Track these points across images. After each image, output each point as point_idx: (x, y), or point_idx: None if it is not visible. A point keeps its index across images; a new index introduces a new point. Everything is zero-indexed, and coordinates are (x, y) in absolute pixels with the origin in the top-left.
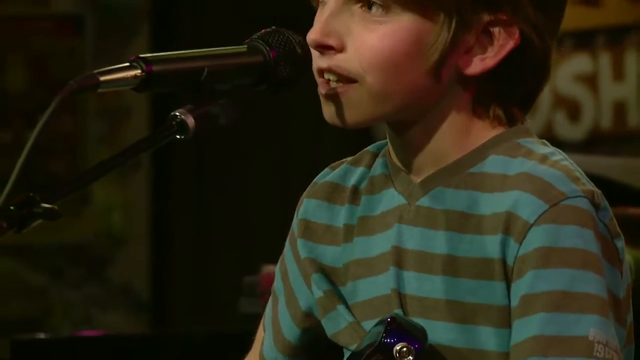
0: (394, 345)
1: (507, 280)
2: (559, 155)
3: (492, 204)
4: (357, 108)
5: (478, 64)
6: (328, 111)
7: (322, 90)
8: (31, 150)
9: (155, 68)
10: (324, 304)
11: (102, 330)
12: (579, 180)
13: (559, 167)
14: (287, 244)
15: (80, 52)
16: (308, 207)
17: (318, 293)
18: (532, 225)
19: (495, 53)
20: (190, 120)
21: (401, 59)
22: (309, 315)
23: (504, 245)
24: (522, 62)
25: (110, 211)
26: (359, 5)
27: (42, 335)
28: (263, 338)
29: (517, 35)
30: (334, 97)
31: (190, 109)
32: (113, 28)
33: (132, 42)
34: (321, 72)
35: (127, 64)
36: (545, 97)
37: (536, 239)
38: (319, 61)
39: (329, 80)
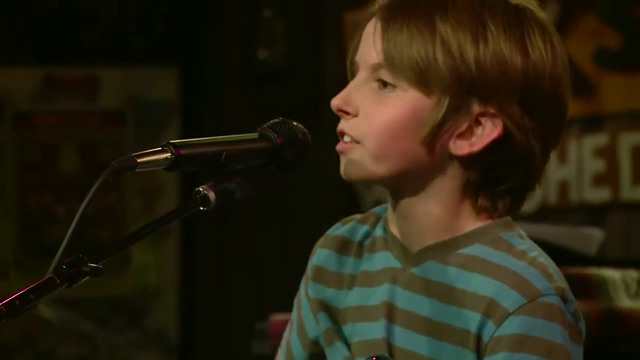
0: None
1: (479, 353)
2: (535, 251)
3: (475, 284)
4: (359, 165)
5: (465, 147)
6: (341, 166)
7: (337, 147)
8: (80, 219)
9: (182, 151)
10: (327, 339)
11: None
12: (552, 277)
13: (536, 264)
14: (302, 282)
15: (123, 141)
16: (321, 256)
17: (322, 329)
18: (510, 313)
19: (481, 140)
20: (212, 195)
21: (399, 128)
22: (315, 343)
23: (482, 325)
24: (505, 155)
25: (146, 270)
26: (377, 83)
27: None
28: None
29: (501, 127)
30: (342, 152)
31: (212, 185)
32: (149, 120)
33: (165, 131)
34: (339, 133)
35: (160, 148)
36: None
37: (512, 326)
38: (339, 124)
39: (342, 136)
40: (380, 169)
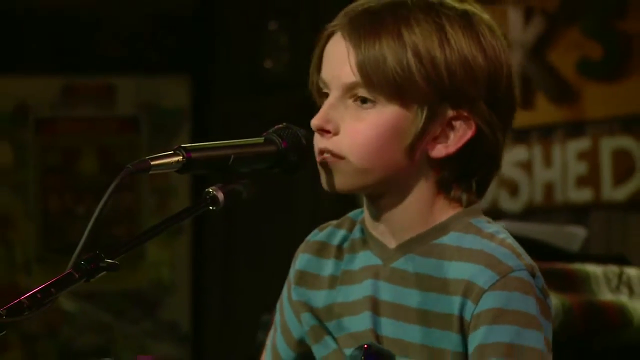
0: None
1: (464, 332)
2: (502, 233)
3: (453, 270)
4: (343, 178)
5: (442, 150)
6: (323, 179)
7: (318, 159)
8: (98, 218)
9: (193, 155)
10: (313, 336)
11: (154, 357)
12: (521, 256)
13: (505, 244)
14: (285, 287)
15: (138, 145)
16: (302, 260)
17: (305, 328)
18: (486, 290)
19: (455, 142)
20: (220, 195)
21: (382, 142)
22: (301, 342)
23: (462, 306)
24: (477, 151)
25: (160, 265)
26: (353, 99)
27: None
28: None
29: (474, 128)
30: (325, 166)
31: (220, 186)
32: (162, 126)
33: (176, 136)
34: (320, 151)
35: (172, 151)
36: None
37: (489, 301)
38: (318, 142)
39: (321, 152)
40: (364, 181)
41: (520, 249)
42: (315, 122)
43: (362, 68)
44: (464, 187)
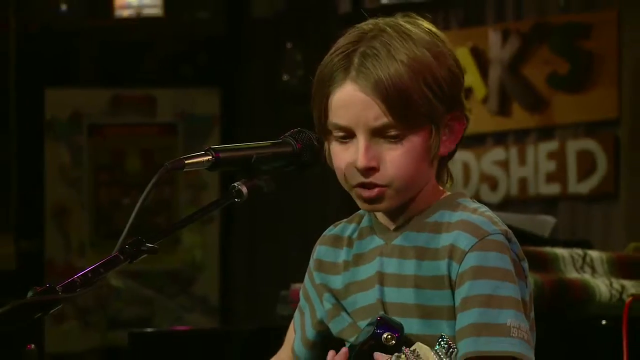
0: (382, 334)
1: (452, 289)
2: (483, 207)
3: (442, 240)
4: (391, 200)
5: (447, 147)
6: (368, 206)
7: (364, 193)
8: (140, 209)
9: (221, 155)
10: (331, 313)
11: (188, 326)
12: (497, 223)
13: (484, 215)
14: (306, 276)
15: (175, 147)
16: (320, 251)
17: (328, 306)
18: (467, 252)
19: (454, 138)
20: (244, 189)
21: (417, 163)
22: (321, 322)
23: (449, 267)
24: (461, 138)
25: (193, 248)
26: (383, 137)
27: (149, 330)
28: (293, 338)
29: (464, 121)
30: (373, 197)
31: (244, 182)
32: (195, 131)
33: (207, 139)
34: (368, 185)
35: (203, 152)
36: (475, 175)
37: (470, 260)
38: (361, 178)
39: (369, 187)
40: (406, 196)
41: (497, 219)
42: (362, 163)
43: (394, 112)
44: (447, 170)
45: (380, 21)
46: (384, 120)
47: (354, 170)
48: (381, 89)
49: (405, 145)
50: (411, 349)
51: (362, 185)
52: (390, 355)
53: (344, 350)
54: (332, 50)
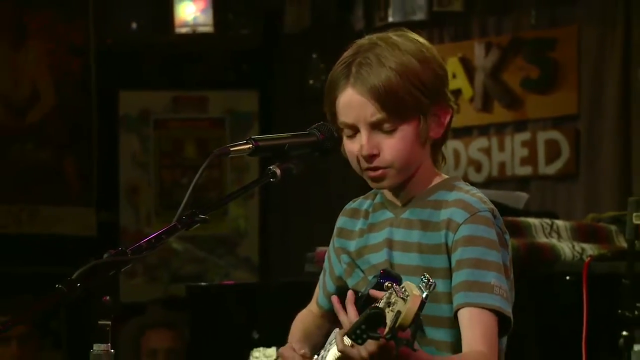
0: (385, 282)
1: (448, 253)
2: (475, 189)
3: (441, 215)
4: (392, 180)
5: (435, 132)
6: (376, 184)
7: (370, 174)
8: (194, 187)
9: (260, 143)
10: (348, 271)
11: (234, 281)
12: (486, 202)
13: (476, 196)
14: (330, 242)
15: (223, 137)
16: (341, 221)
17: (343, 266)
18: (460, 224)
19: (441, 124)
20: (278, 171)
21: (410, 147)
22: (339, 278)
23: (446, 236)
24: (448, 129)
25: (238, 218)
26: (379, 129)
27: (203, 283)
28: (318, 294)
29: (450, 110)
30: (377, 177)
31: (278, 165)
32: (239, 124)
33: (249, 131)
34: (372, 169)
35: (245, 141)
36: (463, 160)
37: (463, 231)
38: (366, 163)
39: (374, 169)
40: (404, 176)
41: (485, 199)
42: (365, 152)
43: (387, 108)
44: (442, 155)
45: (374, 36)
46: (379, 116)
47: (361, 157)
48: (374, 91)
49: (399, 134)
50: (400, 287)
51: (369, 169)
52: (384, 292)
53: (349, 292)
54: (337, 62)
